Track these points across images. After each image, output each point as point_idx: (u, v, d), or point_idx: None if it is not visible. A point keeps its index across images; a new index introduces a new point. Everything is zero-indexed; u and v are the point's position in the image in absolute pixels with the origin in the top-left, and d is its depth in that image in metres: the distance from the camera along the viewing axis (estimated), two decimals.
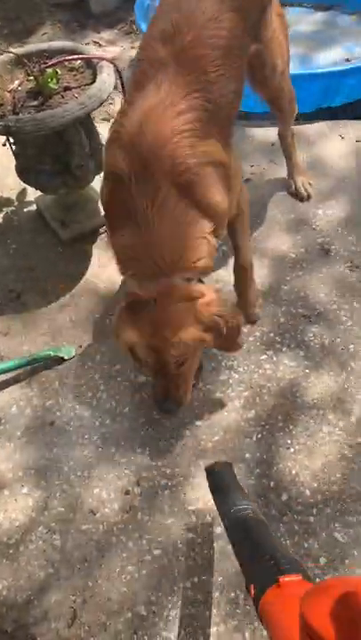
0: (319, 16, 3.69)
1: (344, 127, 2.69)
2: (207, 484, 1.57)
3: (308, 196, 2.42)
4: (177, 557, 1.61)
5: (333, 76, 2.79)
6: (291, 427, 1.82)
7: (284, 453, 1.76)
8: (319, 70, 2.85)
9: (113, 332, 1.71)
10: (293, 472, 1.72)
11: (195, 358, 1.71)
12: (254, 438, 1.80)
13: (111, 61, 2.08)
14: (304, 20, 3.65)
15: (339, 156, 2.57)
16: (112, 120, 1.79)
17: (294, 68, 3.16)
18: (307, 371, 1.93)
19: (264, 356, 1.99)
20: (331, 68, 2.84)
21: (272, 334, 2.04)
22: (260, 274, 2.16)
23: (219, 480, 1.55)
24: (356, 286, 2.13)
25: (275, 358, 1.97)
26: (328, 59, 3.27)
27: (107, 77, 2.02)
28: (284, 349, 2.00)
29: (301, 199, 2.42)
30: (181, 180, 1.52)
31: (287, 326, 2.05)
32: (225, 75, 1.63)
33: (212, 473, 1.58)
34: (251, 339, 2.03)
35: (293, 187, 2.43)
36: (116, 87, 2.12)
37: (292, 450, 1.77)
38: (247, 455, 1.77)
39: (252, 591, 1.11)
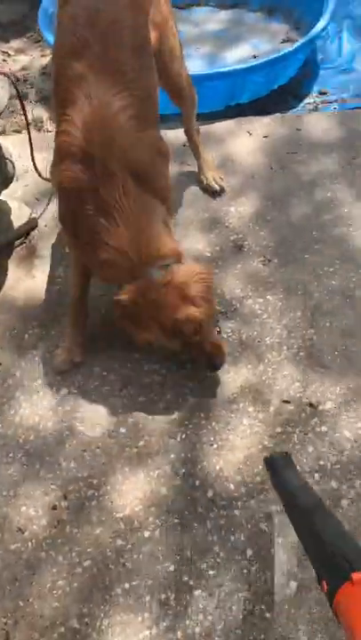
0: (225, 14, 3.75)
1: (251, 124, 2.75)
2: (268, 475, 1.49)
3: (222, 190, 2.46)
4: (107, 566, 1.61)
5: (239, 73, 2.84)
6: (213, 423, 1.85)
7: (207, 450, 1.79)
8: (224, 69, 2.90)
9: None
10: (218, 468, 1.76)
11: (207, 319, 1.80)
12: (178, 439, 1.82)
13: (5, 74, 2.06)
14: (211, 20, 3.71)
15: (247, 153, 2.62)
16: (24, 131, 1.81)
17: (203, 68, 3.26)
18: (226, 366, 1.97)
19: (185, 356, 2.02)
20: (235, 66, 2.89)
21: None
22: None
23: (279, 469, 1.43)
24: (269, 280, 2.18)
25: None
26: (236, 56, 3.34)
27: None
28: None
29: (214, 194, 2.46)
30: (137, 169, 1.66)
31: None
32: (141, 68, 1.77)
33: (271, 462, 1.48)
34: None
35: (205, 182, 2.47)
36: (12, 98, 2.10)
37: (215, 446, 1.80)
38: (172, 456, 1.79)
39: (325, 587, 1.04)
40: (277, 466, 1.45)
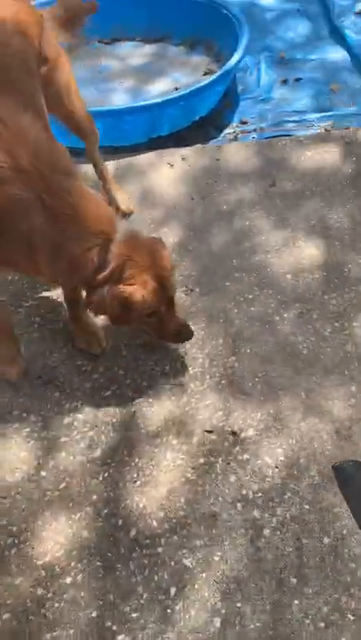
0: (149, 48, 3.83)
1: (172, 155, 2.79)
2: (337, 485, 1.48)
3: (131, 212, 2.52)
4: (27, 617, 1.55)
5: (158, 106, 2.89)
6: (136, 459, 1.83)
7: (130, 488, 1.77)
8: (144, 102, 2.95)
9: (117, 308, 1.74)
10: (141, 505, 1.73)
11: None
12: (101, 478, 1.79)
13: None
14: (135, 54, 3.79)
15: (168, 184, 2.66)
16: None
17: (126, 101, 3.31)
18: (150, 400, 1.96)
19: (108, 392, 2.00)
20: (155, 100, 2.94)
21: (116, 368, 2.06)
22: None
23: (350, 478, 1.41)
24: (192, 309, 2.20)
25: (119, 392, 1.99)
26: (158, 89, 3.41)
27: None
28: (127, 382, 2.01)
29: (124, 215, 2.49)
30: (66, 166, 1.70)
31: (129, 358, 2.08)
32: (34, 86, 1.89)
33: (340, 470, 1.45)
34: (95, 376, 2.04)
35: (115, 205, 2.50)
36: None
37: (138, 483, 1.78)
38: (94, 497, 1.75)
39: None
40: (348, 474, 1.40)
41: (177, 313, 1.91)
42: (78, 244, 1.70)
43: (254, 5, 3.93)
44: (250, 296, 2.21)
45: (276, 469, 1.78)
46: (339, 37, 3.55)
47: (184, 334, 1.95)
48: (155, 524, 1.69)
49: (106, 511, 1.73)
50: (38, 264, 1.74)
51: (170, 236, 2.45)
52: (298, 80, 3.29)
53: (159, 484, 1.77)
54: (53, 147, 1.71)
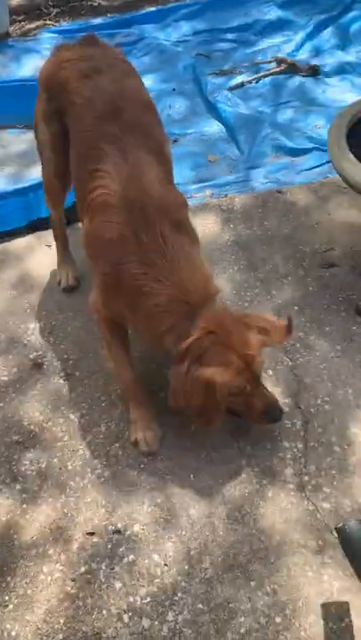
0: (32, 134, 3.84)
1: (50, 236, 2.72)
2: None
3: None
4: None
5: (35, 188, 2.84)
6: (8, 578, 1.61)
7: (1, 614, 1.54)
8: (19, 186, 2.90)
9: (197, 390, 1.63)
10: (14, 634, 1.50)
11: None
12: None
13: None
14: (17, 140, 3.78)
15: (47, 267, 2.56)
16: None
17: (6, 187, 3.25)
18: (24, 505, 1.76)
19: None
20: (31, 182, 2.89)
21: None
22: None
23: (353, 538, 1.29)
24: (71, 396, 2.05)
25: None
26: (39, 173, 3.38)
27: None
28: None
29: None
30: (176, 217, 1.72)
31: (1, 460, 1.88)
32: (156, 128, 1.99)
33: (343, 531, 1.32)
34: None
35: None
36: None
37: (10, 607, 1.56)
38: None
39: None
40: (351, 534, 1.31)
41: (265, 391, 1.77)
42: (156, 299, 1.65)
43: None
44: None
45: (166, 567, 1.61)
46: (214, 112, 3.70)
47: (270, 414, 1.76)
48: None
49: None
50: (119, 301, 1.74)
51: (45, 319, 2.33)
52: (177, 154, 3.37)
53: (34, 605, 1.56)
54: (167, 192, 1.76)
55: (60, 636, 1.50)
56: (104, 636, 1.49)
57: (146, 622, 1.51)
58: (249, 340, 1.67)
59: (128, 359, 1.91)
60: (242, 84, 3.89)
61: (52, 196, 2.39)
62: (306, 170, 3.10)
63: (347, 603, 1.48)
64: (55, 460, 1.87)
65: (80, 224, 2.14)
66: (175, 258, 1.66)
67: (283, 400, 1.96)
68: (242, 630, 1.49)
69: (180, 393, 1.67)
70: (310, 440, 1.86)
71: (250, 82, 3.91)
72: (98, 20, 4.85)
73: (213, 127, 3.60)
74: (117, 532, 1.69)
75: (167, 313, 1.66)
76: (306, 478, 1.77)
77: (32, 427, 1.96)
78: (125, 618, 1.52)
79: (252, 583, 1.56)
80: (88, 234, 1.83)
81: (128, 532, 1.68)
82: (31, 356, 2.20)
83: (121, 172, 1.73)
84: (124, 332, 1.91)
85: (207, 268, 1.78)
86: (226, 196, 2.93)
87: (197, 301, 1.67)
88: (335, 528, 1.35)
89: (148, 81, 4.13)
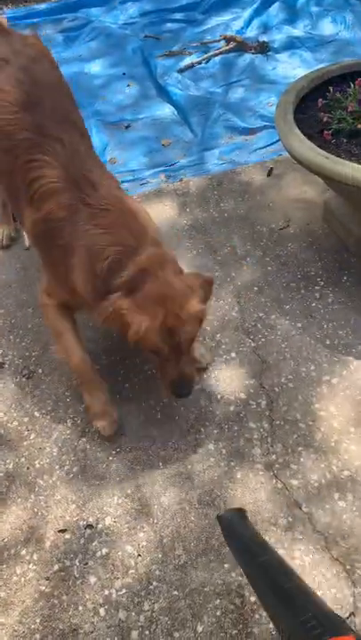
0: None
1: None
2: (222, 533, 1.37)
3: None
4: None
5: None
6: None
7: None
8: None
9: (118, 323, 1.61)
10: None
11: (196, 334, 1.73)
12: None
13: None
14: None
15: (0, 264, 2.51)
16: None
17: None
18: None
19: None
20: None
21: None
22: None
23: (232, 527, 1.33)
24: (35, 394, 2.02)
25: None
26: None
27: None
28: None
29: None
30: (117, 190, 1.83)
31: None
32: (75, 108, 2.03)
33: (224, 520, 1.36)
34: None
35: None
36: None
37: None
38: None
39: None
40: (230, 523, 1.35)
41: (186, 364, 1.70)
42: (104, 239, 1.66)
43: (83, 74, 3.99)
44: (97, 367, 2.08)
45: (140, 557, 1.61)
46: (165, 95, 3.65)
47: (177, 387, 1.70)
48: None
49: None
50: (71, 269, 1.72)
51: (4, 317, 2.29)
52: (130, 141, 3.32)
53: (9, 607, 1.54)
54: (103, 168, 1.85)
55: (38, 636, 1.49)
56: (81, 631, 1.49)
57: (122, 614, 1.51)
58: (182, 293, 1.64)
59: (79, 344, 1.88)
60: (192, 65, 3.85)
61: None
62: (260, 148, 3.09)
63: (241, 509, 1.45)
64: (22, 460, 1.85)
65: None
66: (119, 209, 1.71)
67: (247, 381, 1.97)
68: (218, 613, 1.50)
69: (104, 314, 1.65)
70: (276, 419, 1.88)
71: (200, 62, 3.87)
72: (42, 6, 4.73)
73: (165, 110, 3.56)
74: (89, 526, 1.68)
75: (113, 247, 1.65)
76: (273, 457, 1.79)
77: None
78: (102, 611, 1.52)
79: (226, 565, 1.58)
80: (36, 223, 1.80)
81: (100, 526, 1.68)
82: None
83: (59, 158, 1.75)
84: (72, 319, 1.90)
85: (152, 221, 1.85)
86: (181, 180, 2.90)
87: (142, 242, 1.68)
88: (216, 517, 1.41)
89: (97, 66, 4.08)
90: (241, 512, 1.38)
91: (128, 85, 3.83)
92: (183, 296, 1.63)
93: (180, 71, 3.80)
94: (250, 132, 3.20)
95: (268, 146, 3.09)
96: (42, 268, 1.94)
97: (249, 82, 3.69)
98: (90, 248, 1.67)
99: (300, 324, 2.13)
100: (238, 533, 1.32)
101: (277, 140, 3.08)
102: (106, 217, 1.68)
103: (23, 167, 1.77)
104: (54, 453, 1.86)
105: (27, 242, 2.54)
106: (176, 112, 3.52)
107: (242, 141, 3.17)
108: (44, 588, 1.57)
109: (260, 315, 2.17)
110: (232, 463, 1.78)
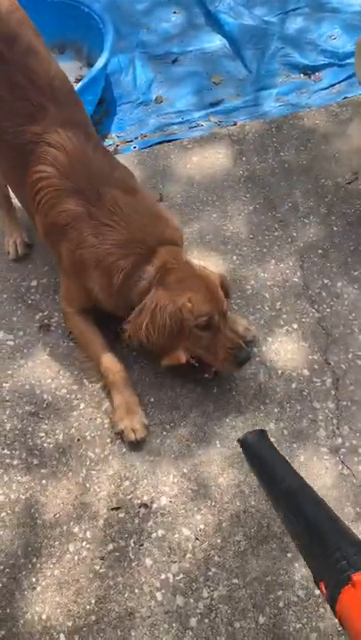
0: None
1: None
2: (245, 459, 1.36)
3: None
4: None
5: None
6: (34, 560, 1.55)
7: (30, 597, 1.49)
8: None
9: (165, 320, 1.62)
10: (44, 617, 1.46)
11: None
12: None
13: None
14: None
15: None
16: None
17: None
18: (44, 481, 1.67)
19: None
20: None
21: None
22: None
23: (255, 450, 1.32)
24: (84, 367, 1.91)
25: (6, 478, 1.69)
26: None
27: None
28: (15, 463, 1.72)
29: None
30: (124, 184, 1.80)
31: (15, 433, 1.78)
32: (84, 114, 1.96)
33: (245, 443, 1.34)
34: None
35: None
36: None
37: (38, 589, 1.50)
38: None
39: (323, 590, 0.95)
40: (252, 446, 1.32)
41: (230, 332, 1.74)
42: (111, 254, 1.68)
43: None
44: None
45: (197, 541, 1.54)
46: (215, 24, 3.31)
47: (238, 355, 1.69)
48: (62, 638, 1.43)
49: (3, 633, 1.44)
50: (87, 279, 1.75)
51: (48, 276, 2.15)
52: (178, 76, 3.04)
53: (64, 586, 1.50)
54: (109, 162, 1.80)
55: (93, 618, 1.45)
56: (137, 615, 1.45)
57: (180, 600, 1.46)
58: (209, 275, 1.72)
59: (106, 345, 1.85)
60: None
61: None
62: (322, 89, 2.80)
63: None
64: (72, 431, 1.77)
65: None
66: (127, 216, 1.69)
67: (311, 356, 1.83)
68: (280, 604, 1.44)
69: (142, 324, 1.64)
70: (342, 399, 1.75)
71: None
72: None
73: (216, 42, 3.23)
74: (144, 505, 1.61)
75: (123, 260, 1.67)
76: (340, 440, 1.67)
77: (45, 395, 1.84)
78: (159, 596, 1.47)
79: (289, 555, 1.50)
80: (47, 224, 1.80)
81: (155, 506, 1.61)
82: (37, 317, 2.05)
83: (60, 159, 1.72)
84: (95, 323, 1.89)
85: (170, 216, 1.82)
86: (235, 123, 2.66)
87: (154, 245, 1.68)
88: (238, 441, 1.37)
89: None
90: (263, 433, 1.34)
91: (174, 12, 3.48)
92: (209, 273, 1.73)
93: None
94: (311, 69, 2.90)
95: (331, 86, 2.80)
96: (60, 276, 1.97)
97: (308, 10, 3.32)
98: (100, 262, 1.69)
99: None
100: (262, 457, 1.29)
101: (343, 80, 2.80)
102: (114, 228, 1.68)
103: (27, 168, 1.76)
104: (105, 425, 1.77)
105: None
106: (228, 44, 3.20)
107: (302, 80, 2.88)
108: (98, 567, 1.52)
109: (326, 281, 2.00)
110: (295, 445, 1.68)
